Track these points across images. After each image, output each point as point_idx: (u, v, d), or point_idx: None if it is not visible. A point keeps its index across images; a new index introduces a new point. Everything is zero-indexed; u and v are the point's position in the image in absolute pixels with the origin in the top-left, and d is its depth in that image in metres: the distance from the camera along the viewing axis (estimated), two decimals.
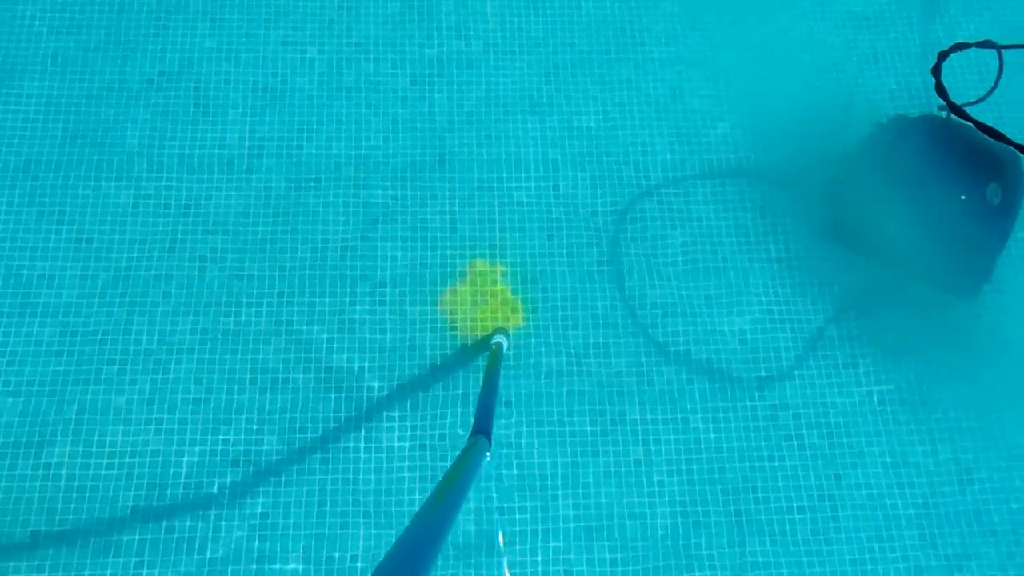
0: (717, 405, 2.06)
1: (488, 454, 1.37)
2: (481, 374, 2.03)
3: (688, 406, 2.05)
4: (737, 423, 2.05)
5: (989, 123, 2.04)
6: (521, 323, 2.09)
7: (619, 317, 2.10)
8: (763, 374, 2.07)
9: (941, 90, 2.03)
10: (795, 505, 1.98)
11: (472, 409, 2.01)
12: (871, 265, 2.16)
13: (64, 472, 1.90)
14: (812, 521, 1.98)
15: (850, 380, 2.08)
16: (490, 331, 2.05)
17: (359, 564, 1.89)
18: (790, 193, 2.21)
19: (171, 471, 1.92)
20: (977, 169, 2.10)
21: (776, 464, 2.01)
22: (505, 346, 2.00)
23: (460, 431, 1.99)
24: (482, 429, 1.47)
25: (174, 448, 1.94)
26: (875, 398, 2.07)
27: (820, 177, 2.21)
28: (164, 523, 1.90)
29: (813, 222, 2.19)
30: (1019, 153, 2.12)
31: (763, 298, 2.13)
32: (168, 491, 1.92)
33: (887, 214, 2.10)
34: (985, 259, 2.13)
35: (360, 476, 1.99)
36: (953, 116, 2.07)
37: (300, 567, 1.86)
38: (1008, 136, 2.00)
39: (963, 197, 2.05)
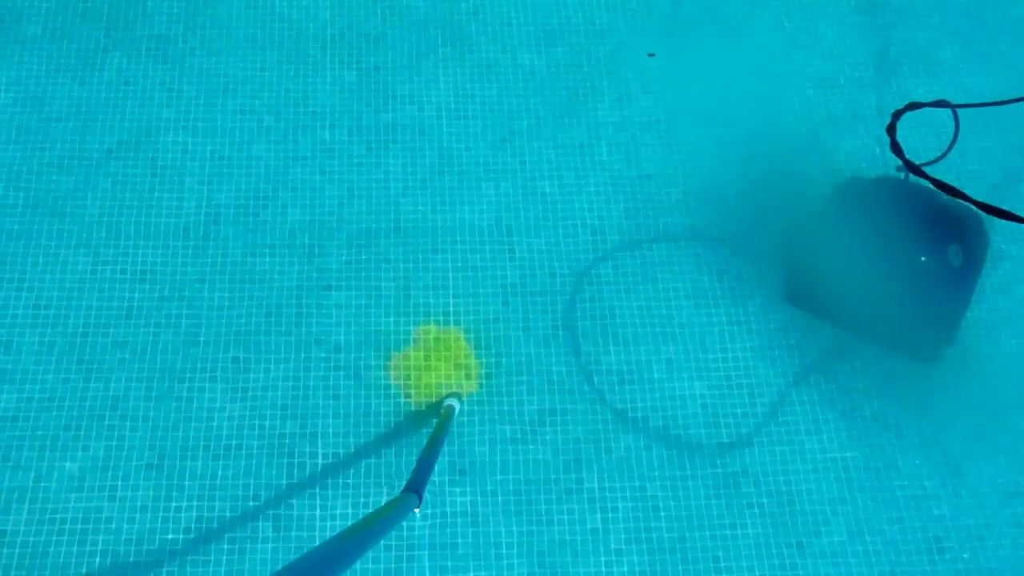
0: (676, 472, 2.31)
1: (417, 511, 1.64)
2: None
3: (646, 473, 2.31)
4: (697, 490, 2.29)
5: (950, 183, 2.34)
6: (475, 389, 2.38)
7: (575, 383, 2.37)
8: (723, 440, 2.33)
9: (896, 149, 2.32)
10: (758, 575, 2.24)
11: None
12: (832, 328, 2.42)
13: (19, 539, 2.17)
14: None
15: (812, 446, 2.33)
16: (443, 396, 2.34)
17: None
18: (747, 256, 2.47)
19: (123, 538, 2.18)
20: (938, 230, 2.37)
21: (738, 532, 2.25)
22: (456, 409, 2.29)
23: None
24: (415, 487, 1.74)
25: (127, 515, 2.20)
26: (839, 464, 2.31)
27: (778, 240, 2.49)
28: None
29: (771, 285, 2.45)
30: (980, 214, 2.41)
31: (722, 363, 2.38)
32: (120, 558, 2.16)
33: (846, 277, 2.37)
34: (948, 321, 2.39)
35: (315, 544, 2.26)
36: (911, 176, 2.38)
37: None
38: (966, 194, 2.29)
39: (924, 259, 2.33)
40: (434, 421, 2.26)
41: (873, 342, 2.34)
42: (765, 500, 2.24)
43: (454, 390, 2.28)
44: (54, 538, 2.16)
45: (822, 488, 2.25)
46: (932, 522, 2.23)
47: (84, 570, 2.14)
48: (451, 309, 2.37)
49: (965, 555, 2.20)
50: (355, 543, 1.28)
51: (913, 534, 2.22)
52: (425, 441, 2.21)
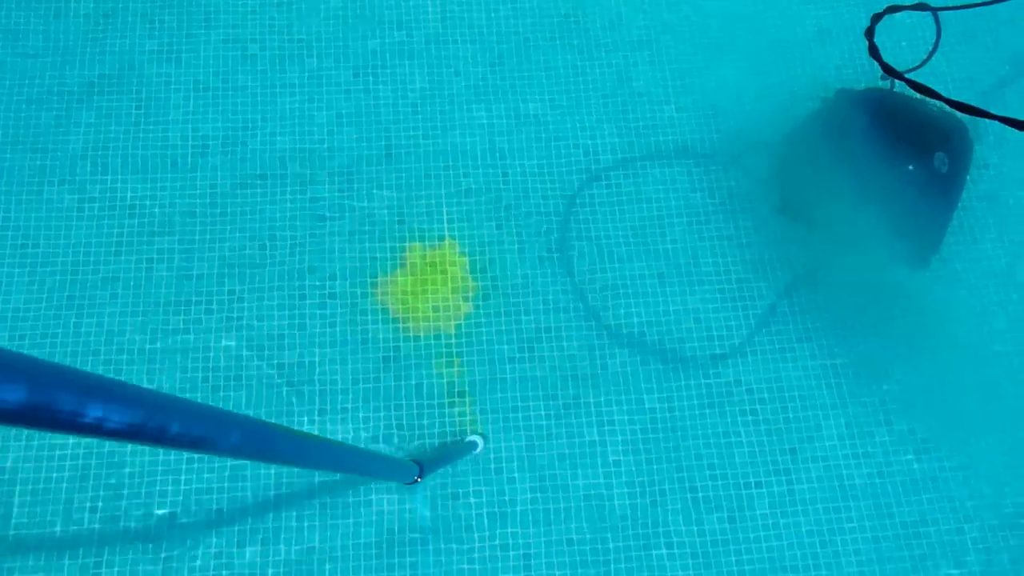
0: (671, 384, 2.33)
1: (418, 479, 1.62)
2: (431, 373, 2.30)
3: (643, 386, 2.32)
4: (691, 401, 2.31)
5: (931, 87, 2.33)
6: (471, 311, 2.37)
7: (571, 301, 2.37)
8: (717, 352, 2.34)
9: (875, 52, 2.31)
10: (752, 480, 2.26)
11: (424, 401, 2.27)
12: (821, 239, 2.44)
13: (19, 476, 2.16)
14: (769, 496, 2.26)
15: (804, 354, 2.35)
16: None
17: (315, 557, 2.15)
18: (738, 172, 2.48)
19: (126, 471, 2.18)
20: (924, 139, 2.38)
21: (732, 440, 2.28)
22: (478, 448, 2.23)
23: (413, 422, 2.26)
24: (422, 463, 1.72)
25: (128, 448, 2.20)
26: (829, 372, 2.35)
27: (768, 154, 2.49)
28: (120, 523, 2.15)
29: (762, 199, 2.47)
30: (965, 122, 2.42)
31: (714, 277, 2.40)
32: (124, 491, 2.16)
33: (835, 188, 2.38)
34: (934, 229, 2.41)
35: (315, 471, 2.26)
36: (896, 85, 2.37)
37: (258, 559, 2.13)
38: (939, 93, 2.28)
39: (911, 167, 2.34)
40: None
41: (862, 251, 2.36)
42: (759, 407, 2.27)
43: (480, 432, 2.27)
44: (54, 474, 2.13)
45: (813, 395, 2.28)
46: (918, 423, 2.27)
47: (87, 503, 2.12)
48: (445, 234, 2.35)
49: (949, 454, 2.25)
50: (344, 456, 1.25)
51: (901, 436, 2.26)
52: (426, 369, 2.21)
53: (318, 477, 2.16)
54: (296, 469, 2.20)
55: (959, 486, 2.24)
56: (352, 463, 1.30)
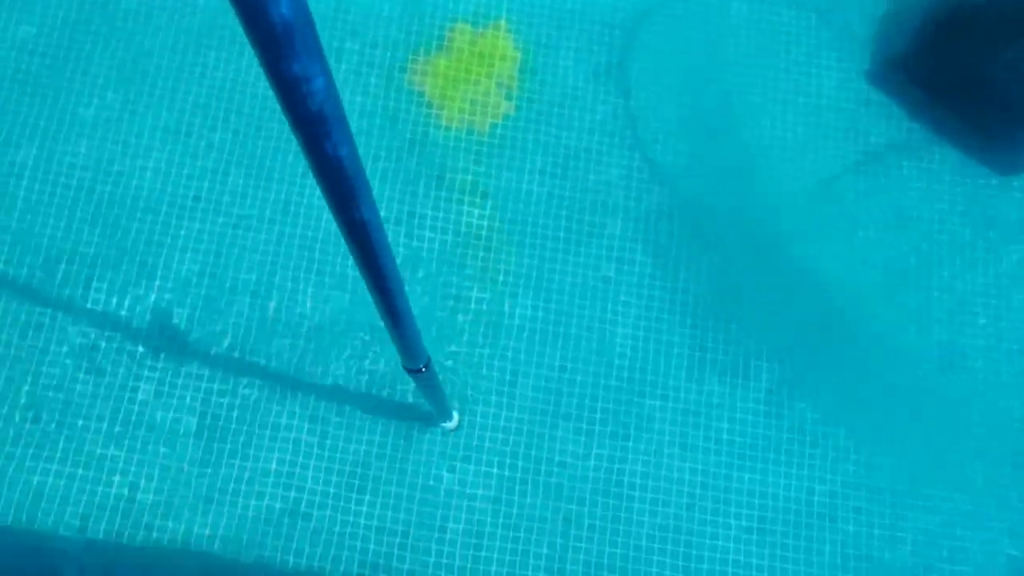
0: (704, 240, 2.12)
1: (423, 368, 1.41)
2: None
3: (674, 231, 2.12)
4: (722, 264, 2.11)
5: None
6: (511, 112, 2.19)
7: (619, 126, 2.18)
8: (757, 213, 2.16)
9: None
10: (762, 349, 2.11)
11: (444, 194, 2.13)
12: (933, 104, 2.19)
13: (27, 174, 2.13)
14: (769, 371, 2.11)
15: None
16: None
17: (304, 321, 2.10)
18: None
19: (131, 194, 2.12)
20: None
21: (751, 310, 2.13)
22: (452, 423, 2.04)
23: (427, 212, 2.15)
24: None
25: (137, 172, 2.13)
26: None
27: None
28: (118, 241, 2.11)
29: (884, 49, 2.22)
30: None
31: (779, 131, 2.19)
32: (126, 212, 2.11)
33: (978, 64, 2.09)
34: None
35: (319, 234, 2.16)
36: None
37: (247, 301, 2.09)
38: None
39: None
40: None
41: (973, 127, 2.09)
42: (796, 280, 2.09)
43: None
44: (59, 189, 2.10)
45: (859, 281, 2.08)
46: None
47: (89, 217, 2.09)
48: (502, 22, 2.15)
49: None
50: (398, 303, 1.08)
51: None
52: (452, 155, 2.07)
53: (319, 248, 2.09)
54: (311, 236, 2.11)
55: None
56: (397, 314, 1.13)
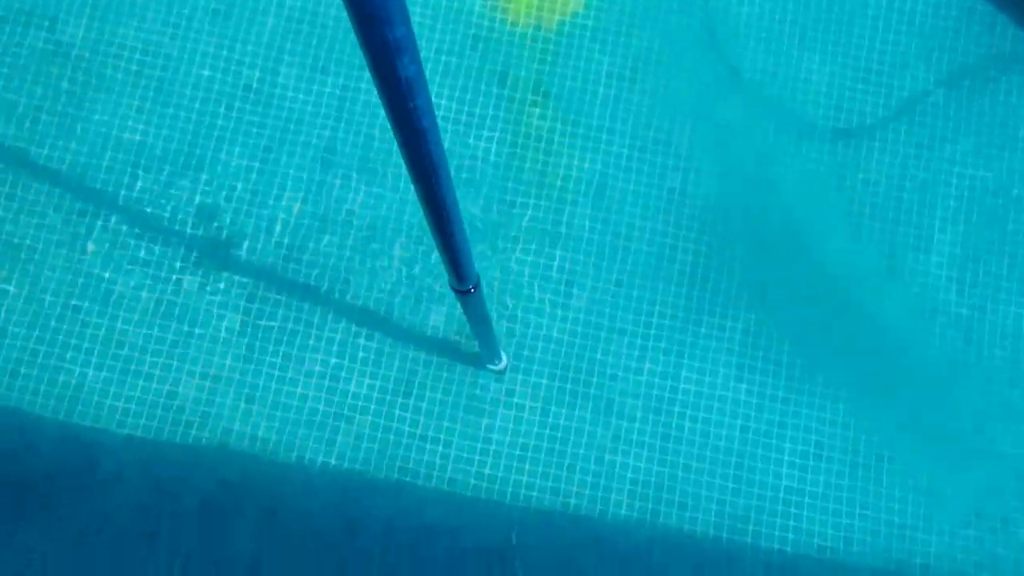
0: (778, 151, 2.02)
1: (472, 289, 1.30)
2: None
3: (743, 145, 2.01)
4: (796, 175, 2.03)
5: None
6: (581, 10, 2.08)
7: (695, 32, 2.06)
8: (840, 126, 2.04)
9: None
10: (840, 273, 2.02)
11: (506, 92, 2.02)
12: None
13: (74, 53, 2.04)
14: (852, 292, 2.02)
15: (942, 156, 2.03)
16: None
17: (353, 221, 2.03)
18: None
19: (179, 80, 2.03)
20: None
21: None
22: (500, 364, 1.95)
23: (490, 111, 2.04)
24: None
25: (186, 57, 2.05)
26: (964, 182, 2.03)
27: None
28: (165, 131, 2.04)
29: None
30: None
31: (866, 44, 2.05)
32: (174, 99, 2.04)
33: None
34: None
35: (375, 132, 2.06)
36: None
37: (295, 206, 2.02)
38: None
39: None
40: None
41: None
42: (868, 201, 1.98)
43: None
44: (110, 61, 2.01)
45: (935, 203, 1.98)
46: None
47: (136, 103, 2.01)
48: None
49: None
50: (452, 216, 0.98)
51: None
52: (516, 53, 1.96)
53: (378, 138, 2.00)
54: (362, 132, 2.02)
55: None
56: (447, 226, 1.03)
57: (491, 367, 1.97)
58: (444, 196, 0.93)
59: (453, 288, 1.30)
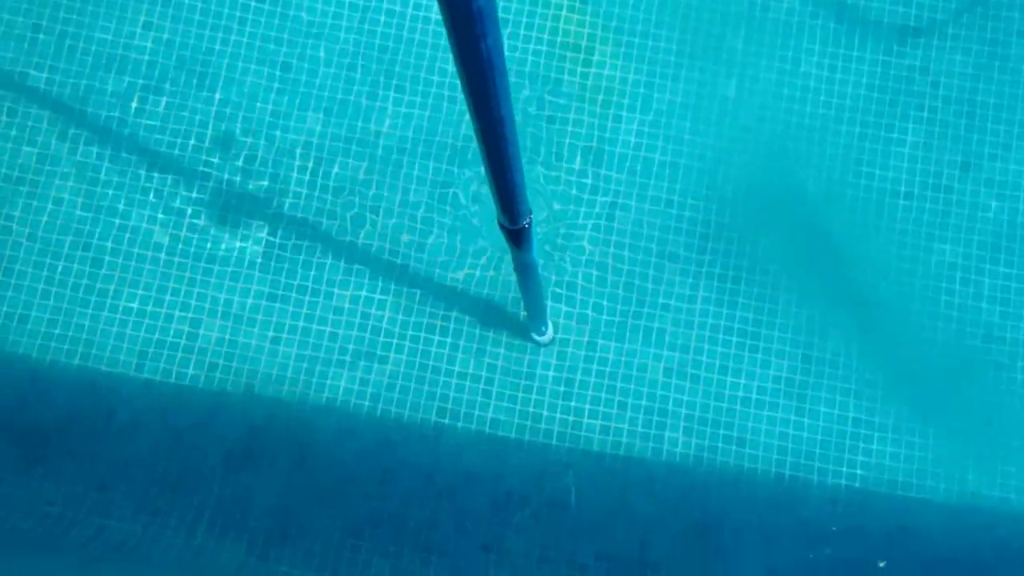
0: (839, 52, 1.86)
1: (526, 224, 1.13)
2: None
3: (804, 45, 1.87)
4: (859, 77, 1.87)
5: None
6: None
7: None
8: (909, 23, 1.87)
9: None
10: (902, 189, 1.86)
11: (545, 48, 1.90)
12: None
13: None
14: (918, 211, 1.86)
15: (1020, 54, 1.87)
16: None
17: (380, 141, 1.88)
18: None
19: None
20: None
21: (894, 136, 1.84)
22: (545, 336, 1.79)
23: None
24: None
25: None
26: None
27: None
28: (175, 51, 1.88)
29: None
30: None
31: None
32: (183, 12, 1.87)
33: None
34: None
35: (400, 45, 1.89)
36: None
37: (317, 127, 1.88)
38: None
39: None
40: None
41: None
42: (940, 105, 1.82)
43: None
44: None
45: (1015, 105, 1.81)
46: None
47: (141, 18, 1.86)
48: None
49: None
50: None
51: None
52: (551, 26, 1.80)
53: (400, 59, 1.85)
54: (388, 48, 1.86)
55: None
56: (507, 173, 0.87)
57: (536, 337, 1.80)
58: (504, 118, 0.75)
59: (502, 226, 1.12)
